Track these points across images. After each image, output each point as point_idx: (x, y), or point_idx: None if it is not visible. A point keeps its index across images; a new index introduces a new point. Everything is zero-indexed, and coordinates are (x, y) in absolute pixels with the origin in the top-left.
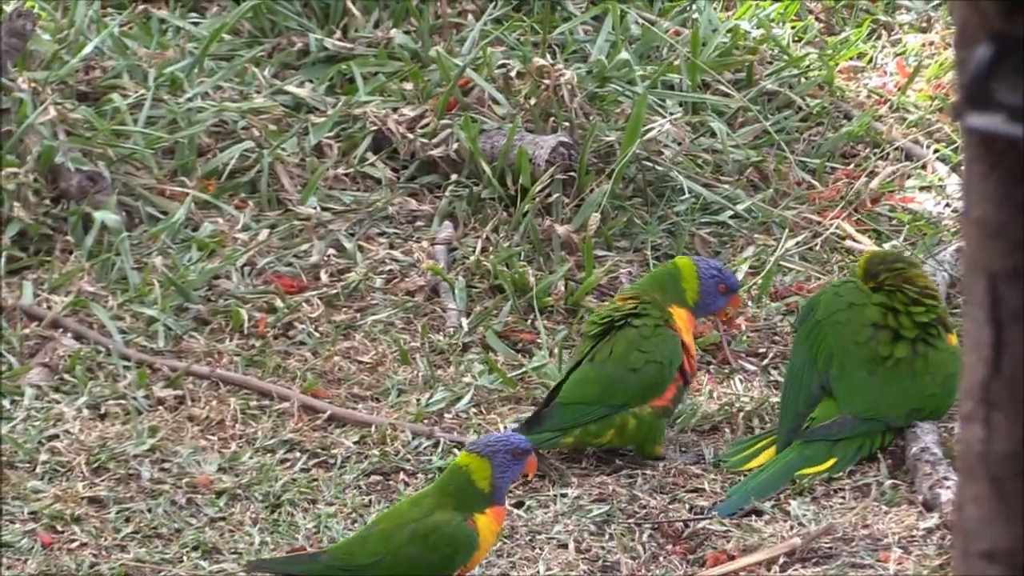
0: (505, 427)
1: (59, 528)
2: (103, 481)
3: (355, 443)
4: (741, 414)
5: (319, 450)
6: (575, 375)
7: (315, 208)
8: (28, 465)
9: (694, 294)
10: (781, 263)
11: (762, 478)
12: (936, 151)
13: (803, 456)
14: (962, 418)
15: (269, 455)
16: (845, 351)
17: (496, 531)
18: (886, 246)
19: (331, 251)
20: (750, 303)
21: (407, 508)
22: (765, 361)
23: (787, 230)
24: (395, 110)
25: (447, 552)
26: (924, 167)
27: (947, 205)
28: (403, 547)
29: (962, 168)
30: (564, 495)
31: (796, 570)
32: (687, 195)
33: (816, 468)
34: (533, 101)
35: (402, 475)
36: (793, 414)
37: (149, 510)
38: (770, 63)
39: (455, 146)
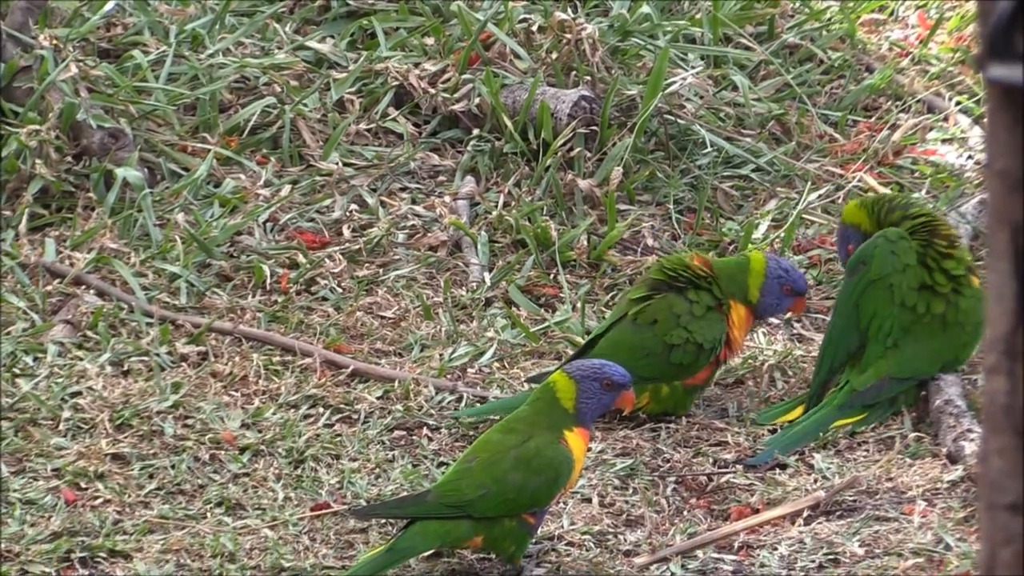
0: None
1: (82, 485)
2: (126, 438)
3: (378, 398)
4: (764, 367)
5: (342, 405)
6: (613, 333)
7: (337, 164)
8: (51, 422)
9: (756, 291)
10: (803, 216)
11: (795, 431)
12: (958, 103)
13: (837, 413)
14: (986, 370)
15: (292, 411)
16: (892, 314)
17: (584, 451)
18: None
19: (353, 206)
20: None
21: (501, 436)
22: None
23: (809, 183)
24: (416, 65)
25: (551, 476)
26: (946, 119)
27: (969, 157)
28: (508, 474)
29: (984, 120)
30: (588, 449)
31: (820, 523)
32: (709, 148)
33: (847, 420)
34: (555, 55)
35: (425, 430)
36: (828, 370)
37: (172, 466)
38: (791, 16)
39: (477, 101)
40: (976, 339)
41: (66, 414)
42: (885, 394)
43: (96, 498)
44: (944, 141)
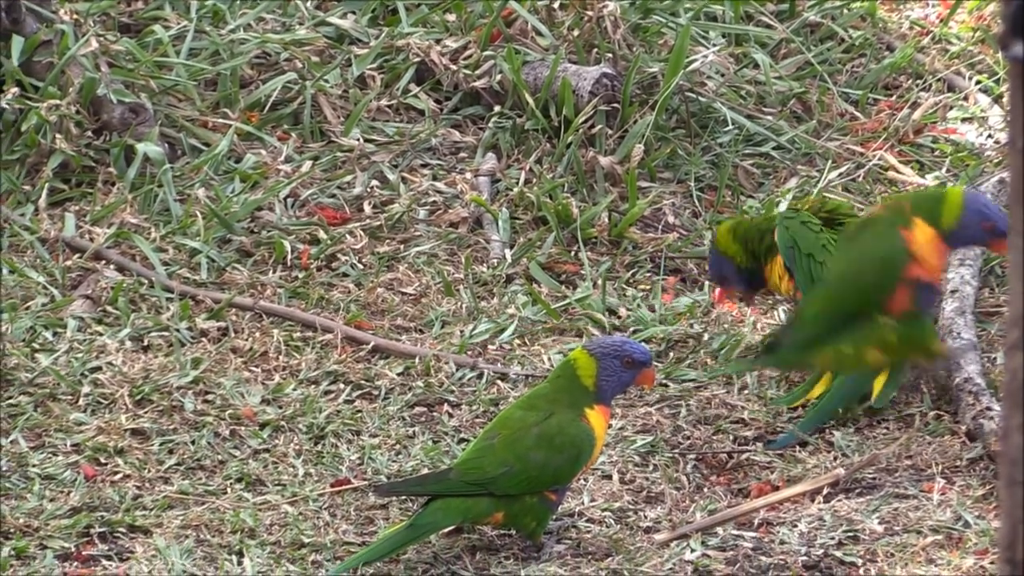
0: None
1: (102, 460)
2: (146, 413)
3: (399, 374)
4: None
5: (363, 382)
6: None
7: (358, 140)
8: (71, 397)
9: (952, 220)
10: (825, 194)
11: (817, 407)
12: (978, 82)
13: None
14: (1007, 348)
15: (313, 387)
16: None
17: (605, 428)
18: (929, 177)
19: (374, 183)
20: None
21: (523, 412)
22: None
23: (830, 161)
24: (438, 41)
25: (573, 453)
26: (966, 98)
27: (989, 136)
28: (530, 452)
29: (1004, 99)
30: (609, 426)
31: (840, 500)
32: (730, 126)
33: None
34: (576, 32)
35: (446, 406)
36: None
37: (192, 442)
38: None
39: (498, 77)
40: None
41: (86, 389)
42: None
43: (116, 473)
44: (964, 120)
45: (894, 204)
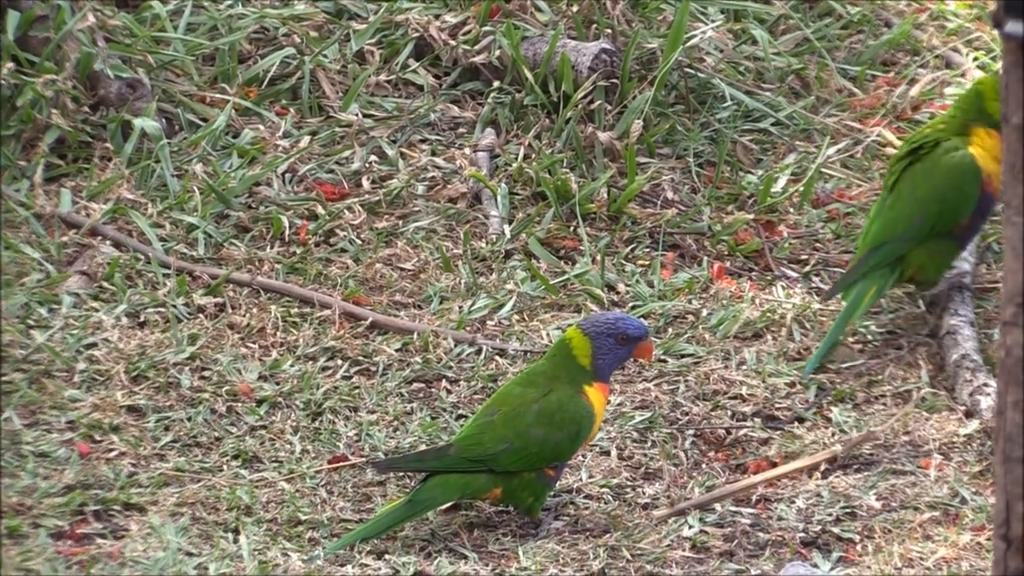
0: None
1: (97, 437)
2: (142, 390)
3: (397, 350)
4: (784, 320)
5: (360, 358)
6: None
7: (357, 115)
8: (66, 374)
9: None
10: (822, 170)
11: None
12: (975, 59)
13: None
14: (1003, 323)
15: (310, 363)
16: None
17: (604, 404)
18: None
19: (373, 158)
20: (791, 209)
21: (522, 389)
22: (807, 268)
23: (828, 137)
24: (437, 16)
25: (573, 430)
26: (963, 75)
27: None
28: (530, 428)
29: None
30: (607, 402)
31: (837, 476)
32: (729, 102)
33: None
34: (575, 8)
35: (444, 382)
36: None
37: (189, 419)
38: None
39: (497, 53)
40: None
41: (81, 366)
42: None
43: (111, 451)
44: None
45: (949, 123)
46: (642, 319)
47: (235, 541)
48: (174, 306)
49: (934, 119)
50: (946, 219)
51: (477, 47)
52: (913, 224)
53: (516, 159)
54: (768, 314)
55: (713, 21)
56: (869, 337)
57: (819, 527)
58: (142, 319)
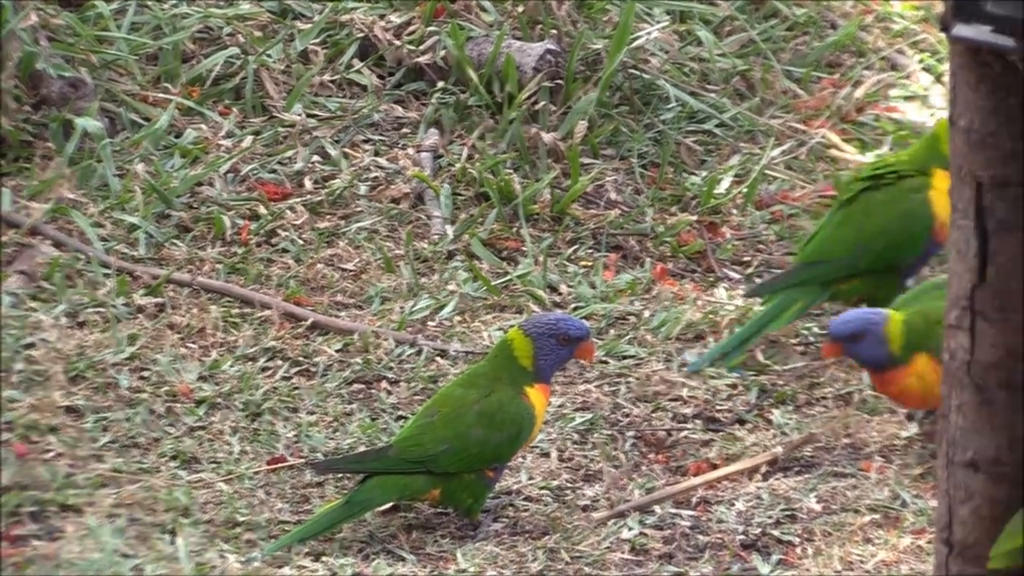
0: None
1: (34, 438)
2: (80, 390)
3: (337, 351)
4: (725, 322)
5: (301, 358)
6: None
7: (300, 115)
8: (4, 374)
9: None
10: (766, 172)
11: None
12: (921, 61)
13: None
14: (948, 326)
15: (250, 363)
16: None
17: (545, 406)
18: (870, 155)
19: (316, 158)
20: (734, 211)
21: (463, 390)
22: (749, 270)
23: (773, 139)
24: (382, 17)
25: (513, 431)
26: (908, 77)
27: (931, 115)
28: (470, 430)
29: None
30: (548, 404)
31: (778, 479)
32: (673, 103)
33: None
34: (521, 8)
35: (384, 383)
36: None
37: (127, 419)
38: None
39: (442, 53)
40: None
41: (19, 366)
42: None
43: (48, 451)
44: (906, 98)
45: (913, 157)
46: (584, 320)
47: (172, 542)
48: (114, 306)
49: (899, 152)
50: (887, 257)
51: (422, 47)
52: (855, 253)
53: (459, 160)
54: (710, 316)
55: (658, 22)
56: (811, 339)
57: (759, 529)
58: (81, 319)
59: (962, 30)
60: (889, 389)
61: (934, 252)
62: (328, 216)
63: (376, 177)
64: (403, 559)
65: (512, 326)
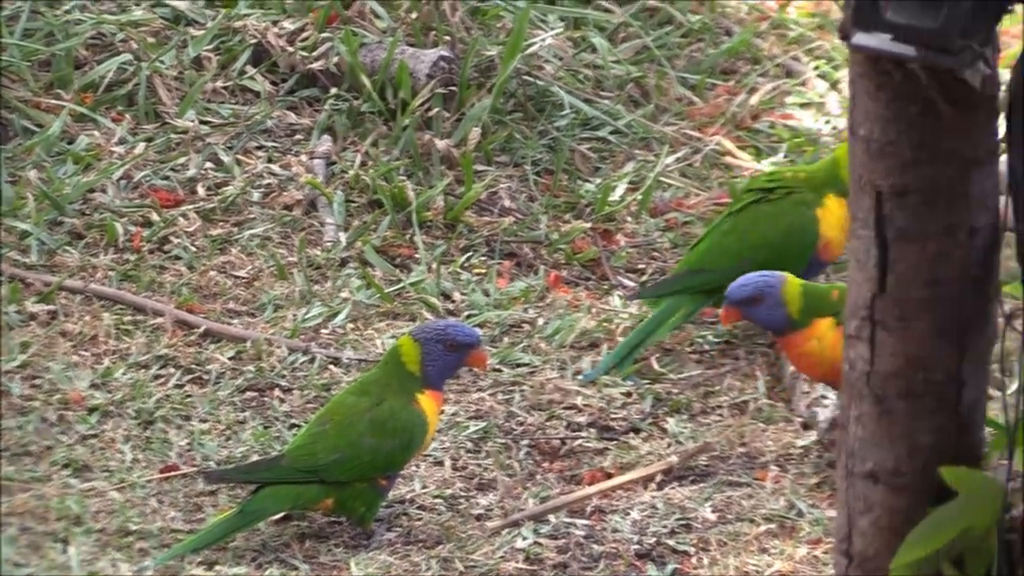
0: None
1: None
2: None
3: (230, 359)
4: (619, 330)
5: (193, 366)
6: (702, 244)
7: (193, 121)
8: None
9: None
10: (661, 179)
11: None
12: (816, 68)
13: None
14: (847, 336)
15: (143, 371)
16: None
17: (437, 413)
18: (765, 162)
19: (208, 164)
20: (628, 218)
21: (355, 398)
22: (643, 277)
23: (667, 146)
24: (275, 23)
25: (405, 439)
26: (804, 84)
27: (827, 122)
28: (362, 438)
29: (841, 85)
30: (441, 412)
31: (673, 488)
32: (568, 110)
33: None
34: (414, 15)
35: (277, 391)
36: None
37: (19, 427)
38: None
39: (335, 60)
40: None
41: None
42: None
43: None
44: (802, 106)
45: (810, 176)
46: (477, 328)
47: (64, 551)
48: (6, 313)
49: (798, 167)
50: (771, 270)
51: (315, 54)
52: (740, 264)
53: (352, 166)
54: (604, 324)
55: (552, 29)
56: (706, 347)
57: (654, 539)
58: None
59: (862, 39)
60: (790, 353)
61: (819, 270)
62: (221, 223)
63: (269, 184)
64: (296, 568)
65: (406, 332)
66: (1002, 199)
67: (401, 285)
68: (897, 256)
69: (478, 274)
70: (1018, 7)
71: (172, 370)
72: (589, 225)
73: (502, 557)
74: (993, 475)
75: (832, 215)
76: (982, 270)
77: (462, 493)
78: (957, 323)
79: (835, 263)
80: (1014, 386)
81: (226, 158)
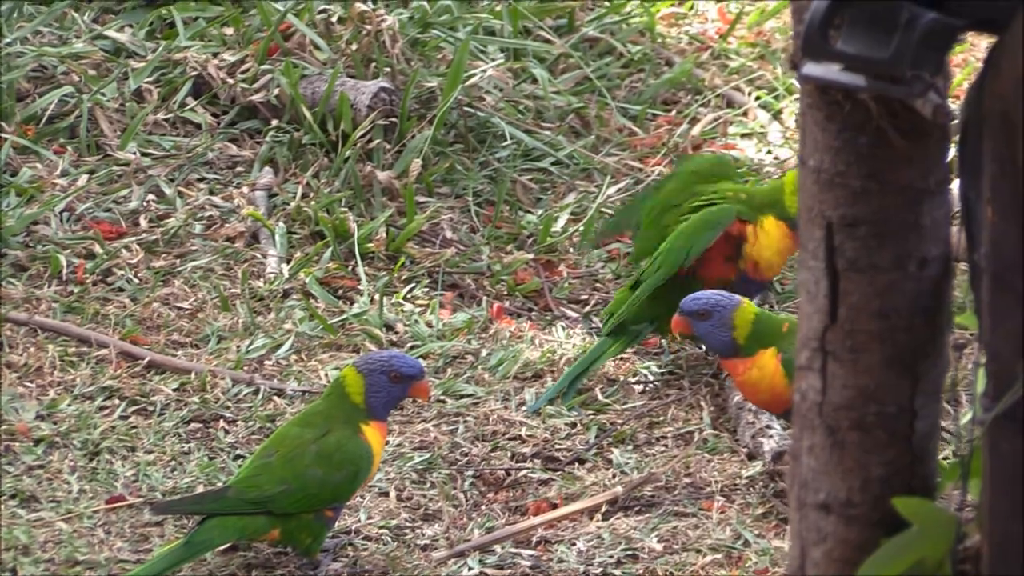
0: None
1: None
2: None
3: (174, 390)
4: (563, 361)
5: (138, 397)
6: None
7: (135, 154)
8: None
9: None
10: (602, 210)
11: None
12: (757, 98)
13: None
14: (798, 368)
15: (88, 402)
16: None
17: (382, 444)
18: None
19: (151, 197)
20: (571, 249)
21: (300, 429)
22: (587, 308)
23: (609, 177)
24: (216, 55)
25: (352, 470)
26: (745, 114)
27: (768, 152)
28: (308, 470)
29: (784, 115)
30: (386, 442)
31: (619, 518)
32: (509, 141)
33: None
34: (355, 47)
35: (222, 422)
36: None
37: None
38: (591, 9)
39: (276, 91)
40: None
41: None
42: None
43: None
44: (744, 136)
45: (749, 197)
46: (420, 359)
47: None
48: None
49: (738, 188)
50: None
51: (255, 85)
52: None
53: (294, 198)
54: (548, 354)
55: (493, 60)
56: (650, 378)
57: (600, 569)
58: None
59: (811, 69)
60: (734, 378)
61: (752, 289)
62: (164, 255)
63: (211, 216)
64: None
65: (348, 364)
66: (954, 229)
67: (344, 316)
68: (847, 287)
69: (421, 305)
70: (968, 35)
71: (117, 401)
72: (531, 256)
73: None
74: (946, 506)
75: (767, 236)
76: (933, 301)
77: (408, 523)
78: (909, 354)
79: (771, 288)
80: (967, 416)
81: (168, 190)
